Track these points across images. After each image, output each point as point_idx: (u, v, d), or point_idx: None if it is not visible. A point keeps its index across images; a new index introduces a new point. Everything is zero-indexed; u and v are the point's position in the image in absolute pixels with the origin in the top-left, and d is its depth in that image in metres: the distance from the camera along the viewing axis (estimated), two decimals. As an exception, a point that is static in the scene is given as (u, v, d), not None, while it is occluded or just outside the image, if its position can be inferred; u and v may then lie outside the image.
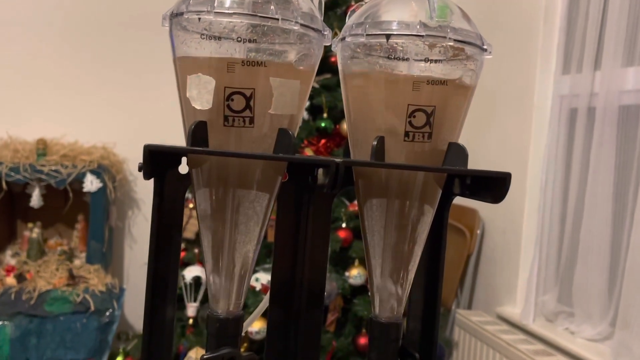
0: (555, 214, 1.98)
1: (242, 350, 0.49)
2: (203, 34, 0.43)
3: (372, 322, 0.50)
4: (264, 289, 1.84)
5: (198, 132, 0.43)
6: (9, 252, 2.32)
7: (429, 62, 0.45)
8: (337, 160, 0.42)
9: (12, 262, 2.23)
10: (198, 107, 0.43)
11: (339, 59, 0.49)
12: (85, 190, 2.19)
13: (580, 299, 1.84)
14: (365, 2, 0.49)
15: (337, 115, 2.07)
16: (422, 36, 0.43)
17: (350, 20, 0.48)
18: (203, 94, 0.43)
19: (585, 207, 1.82)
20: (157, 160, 0.45)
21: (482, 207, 2.33)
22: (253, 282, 1.84)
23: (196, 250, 2.04)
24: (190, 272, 1.98)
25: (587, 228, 1.81)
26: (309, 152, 2.00)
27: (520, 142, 2.16)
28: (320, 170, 0.46)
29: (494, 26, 2.26)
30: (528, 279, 2.02)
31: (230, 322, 0.48)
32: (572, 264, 1.89)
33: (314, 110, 2.07)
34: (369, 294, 1.84)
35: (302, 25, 0.44)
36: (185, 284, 1.97)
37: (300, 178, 0.49)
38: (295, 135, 0.46)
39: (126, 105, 2.51)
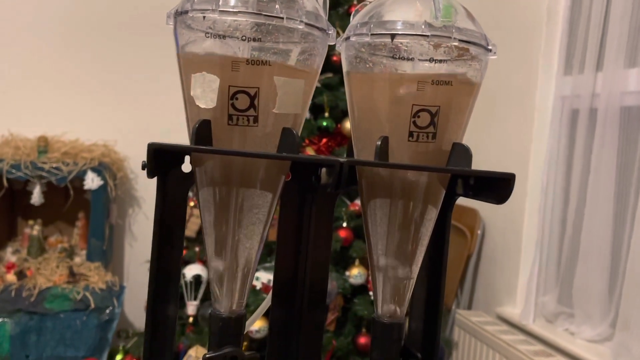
0: (556, 214, 1.98)
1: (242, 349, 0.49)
2: (207, 33, 0.43)
3: (375, 322, 0.50)
4: (265, 287, 1.84)
5: (202, 131, 0.43)
6: (9, 249, 2.32)
7: (433, 62, 0.44)
8: (341, 159, 0.42)
9: (13, 259, 2.23)
10: (202, 106, 0.43)
11: (343, 58, 0.48)
12: (86, 187, 2.19)
13: (581, 300, 1.84)
14: (370, 2, 0.49)
15: (339, 115, 2.07)
16: (427, 36, 0.43)
17: (354, 20, 0.48)
18: (207, 92, 0.43)
19: (586, 208, 1.82)
20: (161, 159, 0.45)
21: (482, 208, 2.33)
22: (253, 281, 1.84)
23: (197, 249, 2.04)
24: (191, 271, 1.98)
25: (588, 229, 1.81)
26: (310, 151, 2.00)
27: (522, 142, 2.16)
28: (324, 170, 0.46)
29: (496, 26, 2.25)
30: (528, 279, 2.02)
31: (232, 321, 0.48)
32: (573, 265, 1.89)
33: (316, 109, 2.06)
34: (371, 293, 1.83)
35: (306, 24, 0.43)
36: (185, 282, 1.97)
37: (304, 177, 0.49)
38: (299, 134, 0.46)
39: (127, 103, 2.51)
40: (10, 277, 2.09)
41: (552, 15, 2.07)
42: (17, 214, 2.44)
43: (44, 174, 2.16)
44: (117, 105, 2.50)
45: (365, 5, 0.49)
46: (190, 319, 1.99)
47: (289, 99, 0.44)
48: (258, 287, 1.84)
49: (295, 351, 0.51)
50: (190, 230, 2.09)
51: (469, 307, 2.40)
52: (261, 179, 0.46)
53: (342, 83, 2.09)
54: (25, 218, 2.39)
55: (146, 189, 2.54)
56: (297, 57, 0.45)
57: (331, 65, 1.94)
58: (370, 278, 1.96)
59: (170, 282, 0.50)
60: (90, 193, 2.22)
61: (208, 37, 0.43)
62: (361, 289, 1.95)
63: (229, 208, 0.46)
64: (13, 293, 2.03)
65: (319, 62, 0.47)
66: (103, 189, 2.21)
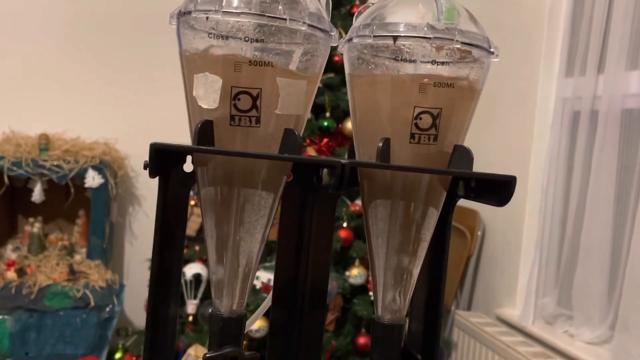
0: (556, 216, 1.98)
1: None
2: (210, 33, 0.43)
3: (375, 323, 0.50)
4: (264, 287, 1.84)
5: (204, 131, 0.43)
6: (9, 247, 2.32)
7: (435, 64, 0.45)
8: (343, 161, 0.42)
9: (13, 256, 2.24)
10: (205, 106, 0.44)
11: (346, 59, 0.49)
12: (86, 185, 2.20)
13: (580, 302, 1.84)
14: (372, 4, 0.49)
15: (340, 115, 2.07)
16: (429, 38, 0.43)
17: (357, 21, 0.48)
18: (210, 93, 0.43)
19: (586, 210, 1.82)
20: (162, 159, 0.45)
21: (483, 209, 2.33)
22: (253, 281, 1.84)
23: (197, 248, 2.04)
24: (191, 269, 1.98)
25: (588, 231, 1.81)
26: (311, 151, 2.00)
27: (522, 144, 2.16)
28: (325, 171, 0.46)
29: (498, 27, 2.25)
30: (528, 281, 2.02)
31: (233, 321, 0.48)
32: (572, 267, 1.89)
33: (317, 109, 2.07)
34: (372, 294, 1.83)
35: (309, 25, 0.44)
36: (185, 281, 1.97)
37: (305, 178, 0.49)
38: (301, 135, 0.46)
39: (128, 101, 2.51)
40: (11, 274, 2.09)
41: (554, 17, 2.07)
42: (17, 211, 2.44)
43: (45, 171, 2.16)
44: (118, 103, 2.50)
45: (368, 7, 0.49)
46: (190, 318, 2.00)
47: (292, 100, 0.45)
48: (258, 287, 1.84)
49: (296, 351, 0.52)
50: (191, 229, 2.09)
51: (469, 308, 2.40)
52: (263, 179, 0.46)
53: (343, 83, 2.09)
54: (26, 215, 2.39)
55: (147, 187, 2.54)
56: (299, 58, 0.45)
57: (333, 66, 1.94)
58: (370, 278, 1.96)
59: (171, 281, 0.50)
60: (91, 191, 2.22)
61: (211, 37, 0.43)
62: (361, 289, 1.96)
63: (230, 208, 0.46)
64: (13, 290, 2.03)
65: (321, 63, 0.47)
66: (104, 187, 2.21)
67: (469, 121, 0.48)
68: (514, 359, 1.86)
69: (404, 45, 0.44)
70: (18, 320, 2.00)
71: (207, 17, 0.42)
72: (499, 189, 0.46)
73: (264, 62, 0.43)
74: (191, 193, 0.50)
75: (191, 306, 1.98)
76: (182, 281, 1.96)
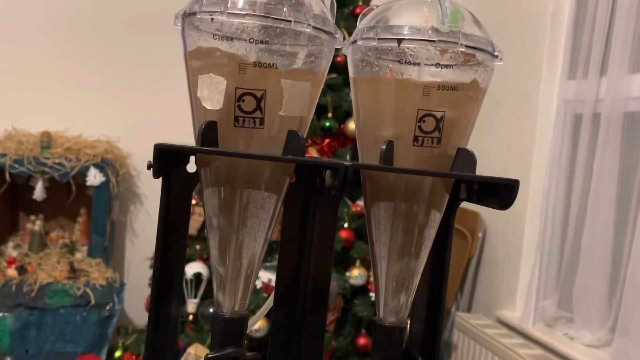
0: (557, 219, 1.98)
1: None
2: (215, 34, 0.43)
3: (376, 325, 0.50)
4: (265, 287, 1.84)
5: (208, 132, 0.43)
6: (10, 244, 2.32)
7: (439, 67, 0.45)
8: (347, 163, 0.42)
9: (14, 254, 2.24)
10: (209, 107, 0.44)
11: (350, 61, 0.49)
12: (88, 184, 2.20)
13: (581, 305, 1.84)
14: (377, 6, 0.49)
15: (342, 115, 2.07)
16: (434, 41, 0.44)
17: (361, 24, 0.48)
18: (214, 94, 0.43)
19: (588, 213, 1.82)
20: (166, 159, 0.45)
21: (484, 210, 2.33)
22: (254, 280, 1.84)
23: (198, 247, 2.04)
24: (191, 269, 1.98)
25: (589, 234, 1.81)
26: (312, 151, 2.00)
27: (524, 146, 2.16)
28: (328, 172, 0.46)
29: (500, 29, 2.25)
30: (528, 283, 2.02)
31: (235, 322, 0.48)
32: (573, 270, 1.89)
33: (319, 110, 2.07)
34: (372, 295, 1.83)
35: (314, 27, 0.44)
36: (185, 280, 1.97)
37: (308, 180, 0.49)
38: (305, 136, 0.46)
39: (131, 100, 2.51)
40: (11, 272, 2.09)
41: (557, 19, 2.06)
42: (19, 209, 2.44)
43: (46, 169, 2.16)
44: (121, 102, 2.51)
45: (372, 9, 0.49)
46: (190, 317, 2.00)
47: (296, 102, 0.45)
48: (258, 286, 1.85)
49: (297, 352, 0.52)
50: (192, 227, 2.09)
51: (469, 310, 2.40)
52: (266, 180, 0.46)
53: (346, 84, 2.09)
54: (27, 213, 2.39)
55: (148, 186, 2.54)
56: (304, 60, 0.45)
57: (335, 66, 1.95)
58: (370, 279, 1.97)
59: (174, 281, 0.50)
60: (93, 189, 2.22)
61: (216, 38, 0.43)
62: (361, 290, 1.96)
63: (233, 209, 0.46)
64: (14, 288, 2.03)
65: (325, 65, 0.47)
66: (105, 185, 2.21)
67: (473, 124, 0.48)
68: (513, 361, 1.86)
69: (408, 48, 0.44)
70: (18, 318, 2.01)
71: (212, 19, 0.42)
72: (501, 193, 0.46)
73: (269, 63, 0.43)
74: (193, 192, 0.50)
75: (191, 305, 1.98)
76: (183, 280, 1.96)
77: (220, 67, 0.43)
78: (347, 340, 1.91)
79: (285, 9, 0.42)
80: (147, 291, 2.19)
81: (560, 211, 1.98)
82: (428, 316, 0.54)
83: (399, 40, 0.44)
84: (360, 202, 2.02)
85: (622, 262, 1.74)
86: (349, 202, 2.03)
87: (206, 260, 2.02)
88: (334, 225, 0.52)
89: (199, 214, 2.05)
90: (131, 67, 2.50)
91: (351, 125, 2.06)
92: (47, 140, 2.20)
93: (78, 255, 2.28)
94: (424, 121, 0.45)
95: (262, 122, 0.44)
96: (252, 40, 0.43)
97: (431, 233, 0.49)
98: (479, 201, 0.48)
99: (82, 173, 2.19)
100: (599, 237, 1.78)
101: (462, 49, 0.44)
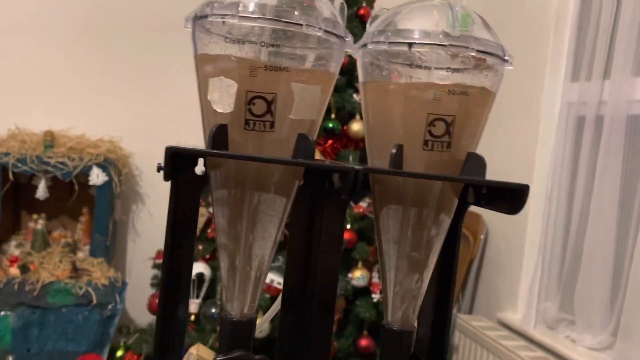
0: (559, 221, 1.98)
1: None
2: (226, 37, 0.43)
3: (384, 329, 0.50)
4: (267, 287, 1.84)
5: (219, 135, 0.43)
6: (13, 243, 2.32)
7: (450, 71, 0.45)
8: (357, 167, 0.42)
9: (16, 252, 2.24)
10: (219, 110, 0.44)
11: (359, 65, 0.49)
12: (91, 183, 2.20)
13: (582, 308, 1.84)
14: (385, 9, 0.49)
15: (345, 116, 2.07)
16: (444, 46, 0.44)
17: (371, 27, 0.48)
18: (225, 97, 0.43)
19: (590, 216, 1.82)
20: (175, 161, 0.45)
21: (486, 213, 2.33)
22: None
23: (200, 247, 2.05)
24: (194, 269, 1.98)
25: (591, 237, 1.81)
26: (315, 152, 2.00)
27: (527, 148, 2.16)
28: (337, 175, 0.46)
29: (504, 31, 2.24)
30: (530, 285, 2.02)
31: (243, 325, 0.48)
32: (575, 272, 1.89)
33: (322, 111, 2.06)
34: (374, 295, 1.82)
35: (325, 31, 0.44)
36: (188, 280, 1.97)
37: (317, 183, 0.49)
38: (315, 140, 0.46)
39: (134, 100, 2.51)
40: (14, 270, 2.10)
41: (561, 22, 2.06)
42: (21, 207, 2.44)
43: (49, 168, 2.16)
44: (124, 101, 2.51)
45: (382, 12, 0.49)
46: (192, 317, 2.00)
47: (306, 105, 0.45)
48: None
49: (304, 355, 0.52)
50: (194, 228, 2.09)
51: (470, 312, 2.40)
52: (276, 183, 0.46)
53: (349, 85, 2.09)
54: (30, 212, 2.39)
55: (151, 185, 2.54)
56: (314, 63, 0.45)
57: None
58: (372, 280, 1.96)
59: (181, 283, 0.50)
60: (95, 189, 2.22)
61: (227, 41, 0.43)
62: (363, 291, 1.96)
63: (242, 211, 0.46)
64: (16, 287, 2.03)
65: (335, 68, 0.47)
66: (108, 184, 2.21)
67: (482, 128, 0.48)
68: (515, 364, 1.86)
69: (418, 52, 0.44)
70: (20, 317, 2.01)
71: (224, 22, 0.42)
72: (510, 197, 0.46)
73: (280, 67, 0.43)
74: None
75: (193, 305, 1.98)
76: (185, 280, 1.96)
77: (230, 70, 0.43)
78: (348, 341, 1.91)
79: (296, 13, 0.42)
80: (149, 291, 2.19)
81: (562, 213, 1.98)
82: (435, 320, 0.54)
83: (410, 44, 0.44)
84: (363, 204, 2.02)
85: (624, 265, 1.73)
86: (352, 204, 2.03)
87: (208, 261, 2.02)
88: (342, 229, 0.51)
89: (202, 214, 2.05)
90: (134, 67, 2.50)
91: (354, 126, 2.06)
92: (50, 140, 2.20)
93: (80, 255, 2.28)
94: (434, 125, 0.45)
95: (272, 125, 0.44)
96: (262, 43, 0.43)
97: (440, 237, 0.49)
98: (487, 205, 0.48)
99: (85, 172, 2.19)
100: (601, 239, 1.77)
101: (473, 54, 0.44)
